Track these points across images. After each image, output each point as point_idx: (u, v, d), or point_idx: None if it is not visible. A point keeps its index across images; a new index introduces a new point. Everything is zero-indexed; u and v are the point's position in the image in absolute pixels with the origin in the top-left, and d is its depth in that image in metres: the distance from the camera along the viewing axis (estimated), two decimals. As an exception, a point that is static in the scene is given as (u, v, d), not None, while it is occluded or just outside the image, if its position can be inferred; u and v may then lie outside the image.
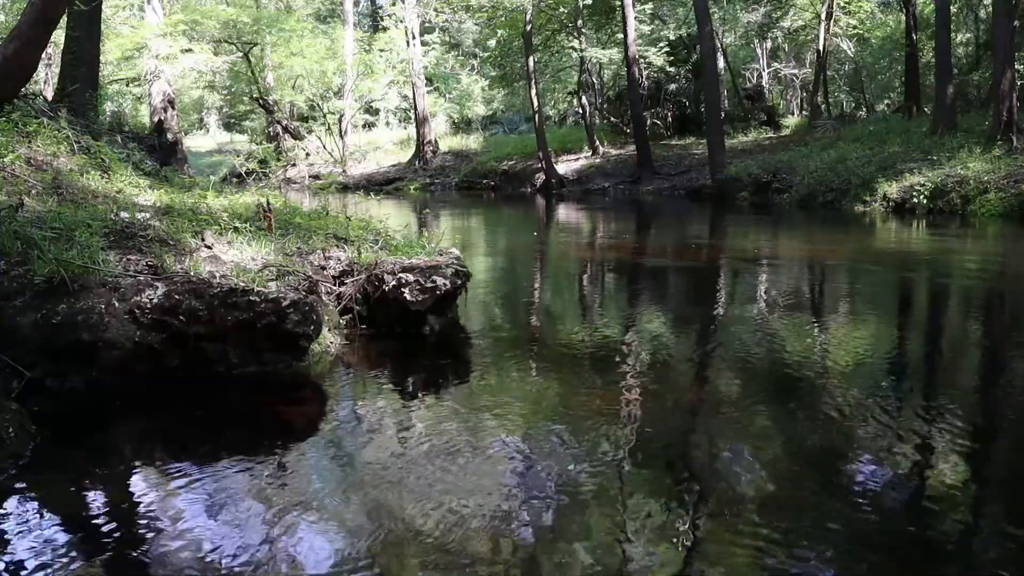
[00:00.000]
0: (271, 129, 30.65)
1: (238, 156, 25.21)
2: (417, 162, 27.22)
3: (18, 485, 3.11)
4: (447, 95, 33.60)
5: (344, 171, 26.91)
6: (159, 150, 16.76)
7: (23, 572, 2.49)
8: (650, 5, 23.78)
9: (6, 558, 2.56)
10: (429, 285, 5.24)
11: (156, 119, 20.71)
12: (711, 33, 19.72)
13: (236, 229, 5.39)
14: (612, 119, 27.03)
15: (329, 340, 4.96)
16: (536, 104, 22.59)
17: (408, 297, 5.22)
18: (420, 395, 4.39)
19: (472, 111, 34.83)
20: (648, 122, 23.35)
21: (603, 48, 24.31)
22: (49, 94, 12.28)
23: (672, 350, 5.32)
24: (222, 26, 24.26)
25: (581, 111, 25.46)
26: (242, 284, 4.34)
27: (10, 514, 2.86)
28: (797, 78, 29.42)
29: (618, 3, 22.22)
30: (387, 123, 36.73)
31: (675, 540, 2.69)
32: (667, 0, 25.43)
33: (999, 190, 12.84)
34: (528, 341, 5.67)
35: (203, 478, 3.17)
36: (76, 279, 4.12)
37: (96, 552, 2.65)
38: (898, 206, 14.05)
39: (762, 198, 17.18)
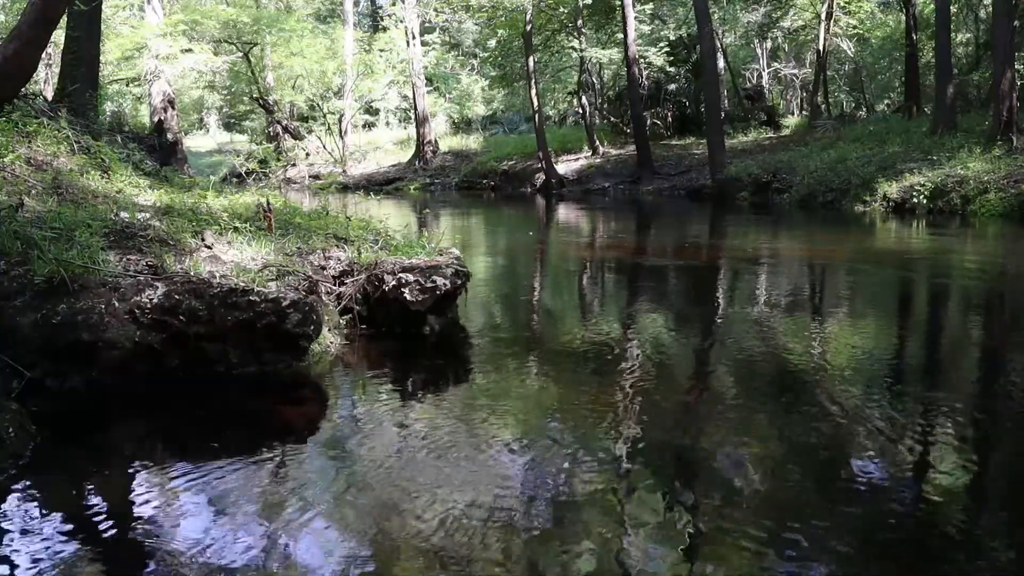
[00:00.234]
0: (271, 129, 30.65)
1: (238, 156, 25.17)
2: (417, 162, 27.23)
3: (18, 485, 3.11)
4: (447, 95, 33.60)
5: (344, 171, 26.91)
6: (159, 150, 16.76)
7: (23, 572, 2.49)
8: (650, 5, 23.79)
9: (6, 558, 2.56)
10: (429, 285, 5.24)
11: (156, 119, 20.70)
12: (711, 33, 19.72)
13: (236, 229, 5.39)
14: (612, 119, 27.04)
15: (329, 340, 4.96)
16: (536, 104, 22.59)
17: (408, 297, 5.22)
18: (420, 395, 4.39)
19: (472, 111, 34.84)
20: (648, 122, 23.35)
21: (603, 48, 24.31)
22: (49, 94, 12.28)
23: (672, 350, 5.32)
24: (222, 26, 24.26)
25: (581, 111, 25.46)
26: (242, 284, 4.34)
27: (10, 514, 2.86)
28: (797, 78, 29.43)
29: (618, 3, 22.22)
30: (387, 123, 36.74)
31: (675, 540, 2.69)
32: (667, 0, 25.43)
33: (999, 190, 12.84)
34: (528, 341, 5.67)
35: (203, 478, 3.17)
36: (76, 279, 4.12)
37: (96, 552, 2.65)
38: (898, 206, 14.04)
39: (762, 198, 17.18)
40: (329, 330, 5.00)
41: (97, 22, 11.11)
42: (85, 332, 4.00)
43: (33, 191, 5.53)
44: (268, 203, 6.01)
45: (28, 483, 3.14)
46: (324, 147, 28.21)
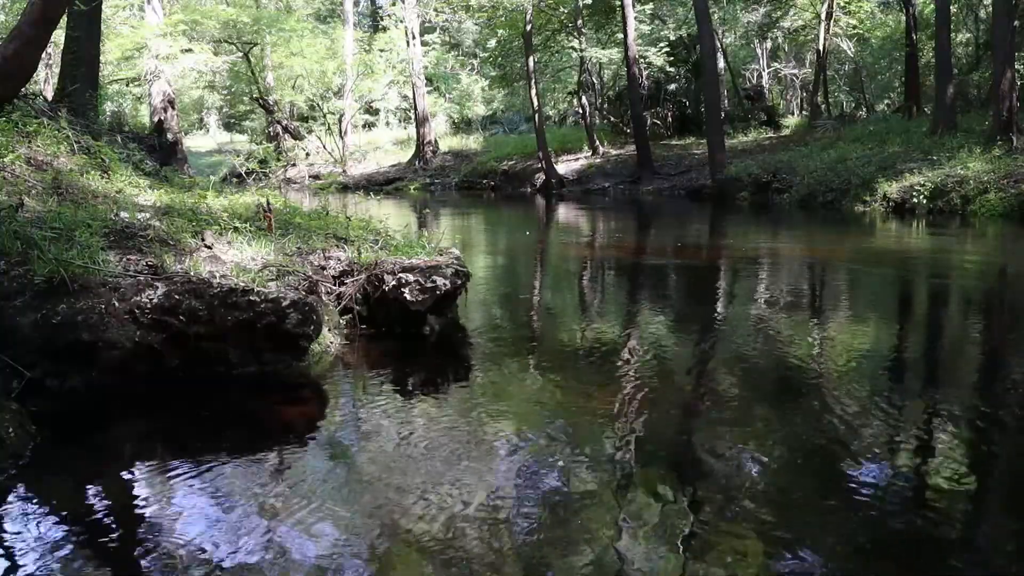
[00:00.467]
0: (271, 129, 30.65)
1: (238, 156, 25.16)
2: (417, 162, 27.23)
3: (18, 485, 3.12)
4: (447, 95, 33.60)
5: (344, 171, 26.91)
6: (159, 150, 16.76)
7: (23, 572, 2.49)
8: (650, 5, 23.79)
9: (6, 558, 2.56)
10: (429, 285, 5.24)
11: (156, 119, 20.71)
12: (711, 33, 19.72)
13: (236, 229, 5.39)
14: (612, 119, 27.04)
15: (329, 340, 4.96)
16: (536, 104, 22.59)
17: (408, 297, 5.22)
18: (420, 395, 4.39)
19: (472, 111, 34.83)
20: (648, 122, 23.35)
21: (603, 48, 24.32)
22: (49, 94, 12.28)
23: (671, 349, 5.32)
24: (222, 26, 24.26)
25: (581, 111, 25.46)
26: (242, 284, 4.34)
27: (10, 514, 2.87)
28: (797, 78, 29.44)
29: (618, 3, 22.22)
30: (387, 123, 36.74)
31: (675, 540, 2.69)
32: (667, 0, 25.43)
33: (999, 190, 12.84)
34: (528, 341, 5.67)
35: (203, 478, 3.17)
36: (76, 279, 4.12)
37: (96, 552, 2.65)
38: (898, 206, 14.04)
39: (762, 198, 17.18)
40: (329, 330, 5.00)
41: (97, 22, 11.12)
42: (85, 332, 4.00)
43: (33, 191, 5.53)
44: (268, 203, 6.01)
45: (28, 483, 3.14)
46: (324, 147, 28.21)
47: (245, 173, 19.77)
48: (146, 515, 2.90)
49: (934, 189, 13.64)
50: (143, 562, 2.57)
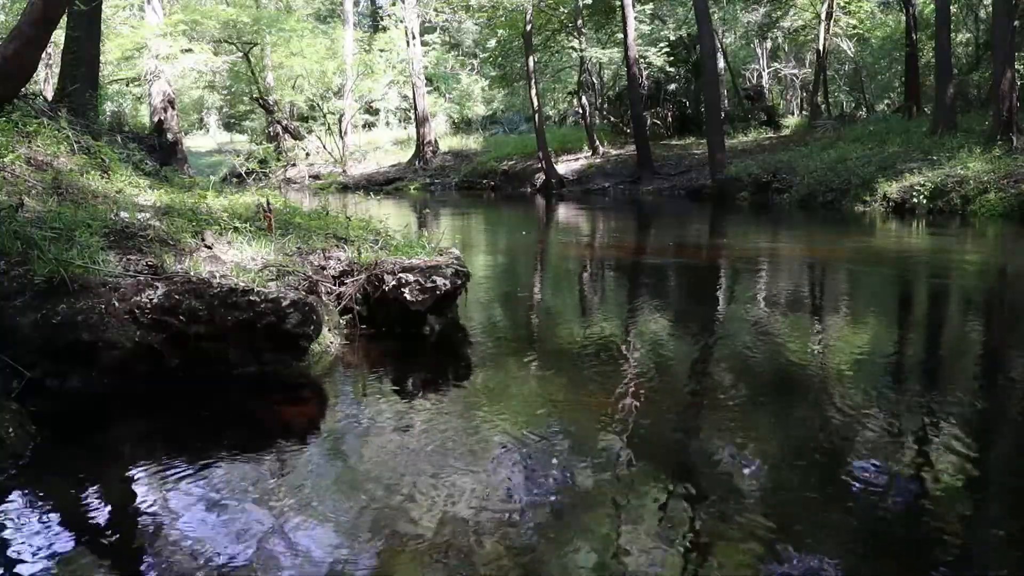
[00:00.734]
0: (271, 129, 30.65)
1: (238, 156, 25.16)
2: (417, 162, 27.23)
3: (18, 485, 3.11)
4: (447, 95, 33.61)
5: (344, 171, 26.91)
6: (159, 150, 16.76)
7: (23, 572, 2.49)
8: (650, 5, 23.79)
9: (6, 558, 2.56)
10: (429, 285, 5.24)
11: (156, 119, 20.71)
12: (711, 33, 19.72)
13: (236, 229, 5.39)
14: (612, 119, 27.04)
15: (329, 340, 4.96)
16: (536, 104, 22.59)
17: (408, 297, 5.22)
18: (420, 395, 4.39)
19: (472, 111, 34.84)
20: (648, 122, 23.35)
21: (603, 48, 24.32)
22: (49, 94, 12.29)
23: (671, 349, 5.32)
24: (222, 26, 24.26)
25: (581, 111, 25.46)
26: (242, 284, 4.34)
27: (10, 514, 2.87)
28: (797, 78, 29.44)
29: (618, 3, 22.22)
30: (387, 123, 36.74)
31: (675, 540, 2.69)
32: (667, 0, 25.43)
33: (999, 190, 12.84)
34: (528, 341, 5.68)
35: (203, 478, 3.17)
36: (76, 279, 4.12)
37: (96, 552, 2.65)
38: (898, 206, 14.04)
39: (762, 198, 17.18)
40: (329, 330, 5.00)
41: (97, 22, 11.11)
42: (85, 332, 4.00)
43: (33, 191, 5.53)
44: (268, 203, 6.01)
45: (28, 483, 3.14)
46: (324, 147, 28.21)
47: (245, 173, 19.76)
48: (146, 515, 2.90)
49: (934, 189, 13.64)
50: (143, 562, 2.57)
